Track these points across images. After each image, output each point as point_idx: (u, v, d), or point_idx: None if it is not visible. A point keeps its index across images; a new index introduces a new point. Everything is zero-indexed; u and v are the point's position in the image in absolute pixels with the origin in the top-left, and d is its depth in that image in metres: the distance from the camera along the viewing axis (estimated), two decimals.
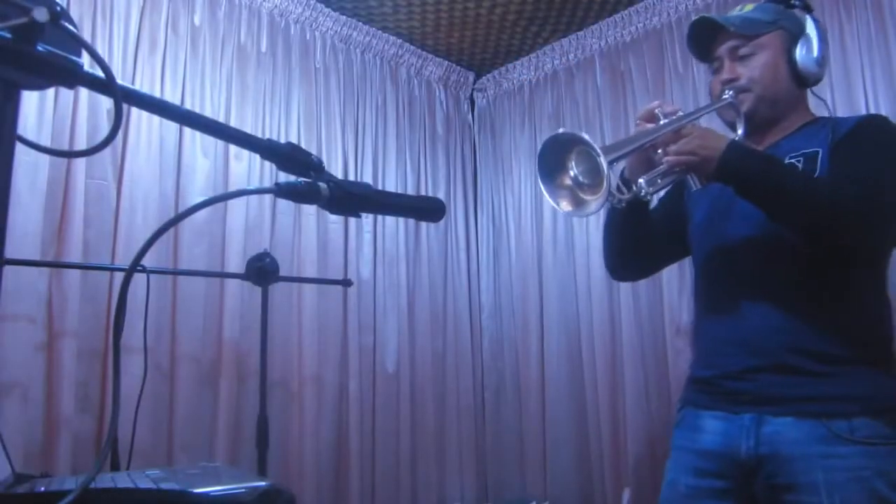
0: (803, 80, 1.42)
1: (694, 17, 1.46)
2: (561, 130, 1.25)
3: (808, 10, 1.45)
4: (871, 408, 1.24)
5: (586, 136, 1.20)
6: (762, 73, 1.40)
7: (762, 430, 1.28)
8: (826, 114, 1.49)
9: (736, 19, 1.43)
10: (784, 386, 1.28)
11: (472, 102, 3.63)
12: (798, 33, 1.41)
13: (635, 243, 1.54)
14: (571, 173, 1.25)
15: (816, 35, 1.42)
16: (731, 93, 1.41)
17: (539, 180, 1.26)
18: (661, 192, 1.39)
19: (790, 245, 1.31)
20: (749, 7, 1.47)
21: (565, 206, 1.26)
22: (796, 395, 1.27)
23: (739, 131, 1.41)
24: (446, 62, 3.42)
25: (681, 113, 1.35)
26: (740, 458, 1.30)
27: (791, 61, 1.40)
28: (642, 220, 1.51)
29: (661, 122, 1.32)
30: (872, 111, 2.22)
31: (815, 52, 1.41)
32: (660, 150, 1.28)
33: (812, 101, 1.50)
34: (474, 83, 3.61)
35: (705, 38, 1.46)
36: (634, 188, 1.28)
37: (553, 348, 3.04)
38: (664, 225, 1.56)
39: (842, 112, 2.28)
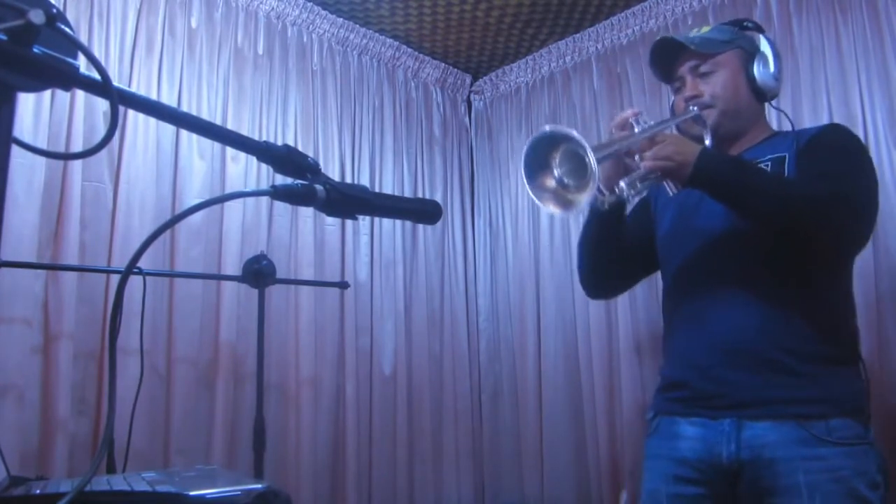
0: (762, 95, 1.49)
1: (658, 37, 1.51)
2: (548, 128, 1.25)
3: (760, 30, 1.53)
4: (845, 408, 1.28)
5: (574, 133, 1.21)
6: (724, 90, 1.46)
7: (742, 434, 1.30)
8: (788, 126, 1.53)
9: (696, 39, 1.49)
10: (762, 388, 1.30)
11: (469, 105, 3.64)
12: (753, 51, 1.48)
13: (610, 255, 1.56)
14: (556, 173, 1.27)
15: (771, 52, 1.49)
16: (695, 108, 1.47)
17: (524, 181, 1.28)
18: (636, 199, 1.43)
19: (765, 244, 1.34)
20: (706, 29, 1.54)
21: (552, 207, 1.29)
22: (774, 398, 1.29)
23: (707, 143, 1.44)
24: (443, 64, 3.42)
25: (652, 122, 1.39)
26: (722, 464, 1.32)
27: (750, 77, 1.47)
28: (619, 227, 1.54)
29: (636, 130, 1.36)
30: (868, 115, 2.24)
31: (772, 68, 1.48)
32: (636, 156, 1.31)
33: (773, 114, 1.54)
34: (471, 86, 3.61)
35: (667, 58, 1.52)
36: (616, 190, 1.31)
37: (550, 351, 3.03)
38: (634, 238, 1.58)
39: (838, 115, 2.30)
